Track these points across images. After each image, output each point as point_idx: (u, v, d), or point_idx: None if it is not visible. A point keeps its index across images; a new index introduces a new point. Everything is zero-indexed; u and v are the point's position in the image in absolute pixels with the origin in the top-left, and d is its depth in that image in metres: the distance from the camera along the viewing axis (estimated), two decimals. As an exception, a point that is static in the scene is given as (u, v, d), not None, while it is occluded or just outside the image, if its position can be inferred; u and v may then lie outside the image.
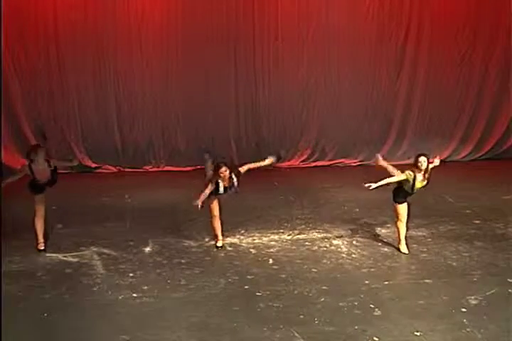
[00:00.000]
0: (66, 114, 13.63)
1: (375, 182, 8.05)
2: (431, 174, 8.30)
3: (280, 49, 14.18)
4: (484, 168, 14.20)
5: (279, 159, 9.17)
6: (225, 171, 8.37)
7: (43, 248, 8.70)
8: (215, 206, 8.67)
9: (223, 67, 14.04)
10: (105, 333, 6.21)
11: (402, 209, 8.48)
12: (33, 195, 8.70)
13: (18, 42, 13.17)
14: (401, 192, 8.41)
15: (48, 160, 8.65)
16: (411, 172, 8.17)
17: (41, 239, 8.74)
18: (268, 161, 8.83)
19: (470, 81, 14.86)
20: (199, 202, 8.24)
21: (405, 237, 8.61)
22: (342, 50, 14.31)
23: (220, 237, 8.89)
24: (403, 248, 8.58)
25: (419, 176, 8.23)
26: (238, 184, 8.55)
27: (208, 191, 8.40)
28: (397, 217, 8.53)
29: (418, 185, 8.29)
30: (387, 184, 8.22)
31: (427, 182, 8.35)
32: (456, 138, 15.03)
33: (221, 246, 8.79)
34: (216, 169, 8.42)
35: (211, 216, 8.73)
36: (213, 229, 8.84)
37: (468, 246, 8.72)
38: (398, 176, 8.23)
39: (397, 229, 8.61)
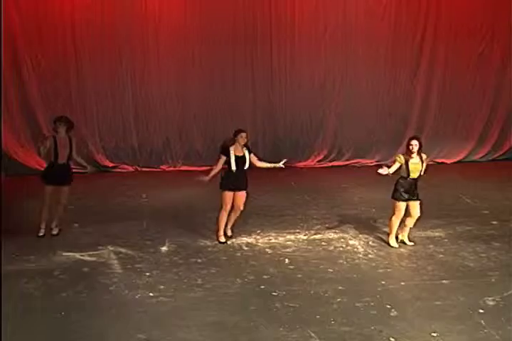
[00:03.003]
0: (83, 114, 13.66)
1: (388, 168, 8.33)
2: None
3: (297, 48, 14.17)
4: (502, 168, 14.09)
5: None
6: (245, 137, 8.61)
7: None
8: (228, 198, 8.75)
9: (240, 67, 14.05)
10: (122, 332, 6.24)
11: (399, 206, 8.45)
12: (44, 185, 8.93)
13: (36, 44, 13.22)
14: (399, 185, 8.42)
15: (69, 137, 8.90)
16: (400, 156, 8.49)
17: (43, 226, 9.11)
18: (279, 165, 8.91)
19: (487, 80, 14.76)
20: (206, 178, 8.72)
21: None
22: (359, 49, 14.28)
23: (225, 232, 9.01)
24: (392, 242, 8.69)
25: (414, 159, 8.38)
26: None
27: (217, 167, 8.79)
28: (394, 214, 8.53)
29: (413, 167, 8.36)
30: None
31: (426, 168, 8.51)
32: (473, 139, 14.92)
33: (224, 242, 8.87)
34: (236, 134, 8.65)
35: (222, 208, 8.79)
36: (218, 221, 8.93)
37: (486, 247, 8.67)
38: (395, 163, 8.52)
39: (390, 224, 8.62)
